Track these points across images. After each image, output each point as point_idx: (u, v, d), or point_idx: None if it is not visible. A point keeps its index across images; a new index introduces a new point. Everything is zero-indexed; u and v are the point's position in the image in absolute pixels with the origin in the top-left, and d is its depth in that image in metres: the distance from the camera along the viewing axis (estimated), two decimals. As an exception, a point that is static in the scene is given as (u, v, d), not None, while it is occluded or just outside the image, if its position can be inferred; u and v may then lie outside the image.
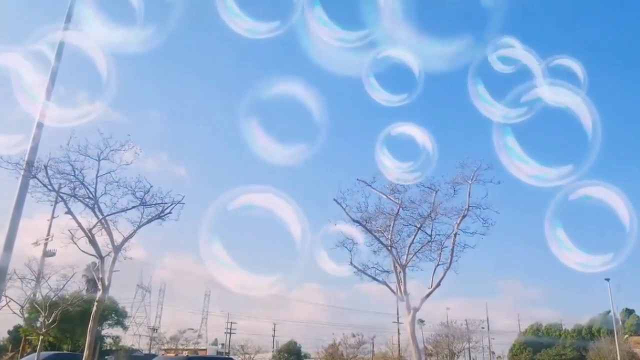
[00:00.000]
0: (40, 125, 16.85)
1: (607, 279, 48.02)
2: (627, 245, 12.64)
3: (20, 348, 43.63)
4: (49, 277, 29.02)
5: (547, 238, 13.43)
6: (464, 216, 18.77)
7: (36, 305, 28.55)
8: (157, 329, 73.43)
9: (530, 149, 14.03)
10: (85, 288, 38.42)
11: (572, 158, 13.81)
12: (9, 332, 54.53)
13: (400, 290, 18.69)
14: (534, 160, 13.99)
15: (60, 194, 17.16)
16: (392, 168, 16.63)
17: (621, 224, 12.56)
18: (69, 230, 17.36)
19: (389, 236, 19.23)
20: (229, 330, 72.83)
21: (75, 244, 17.40)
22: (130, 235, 17.94)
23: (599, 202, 13.33)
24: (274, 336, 74.40)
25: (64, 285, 29.15)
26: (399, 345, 60.72)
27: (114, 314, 53.19)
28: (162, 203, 18.10)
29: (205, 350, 63.50)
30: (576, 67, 14.93)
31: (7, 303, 26.72)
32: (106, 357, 49.19)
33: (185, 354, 41.74)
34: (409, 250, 19.22)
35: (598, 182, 13.86)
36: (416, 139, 15.62)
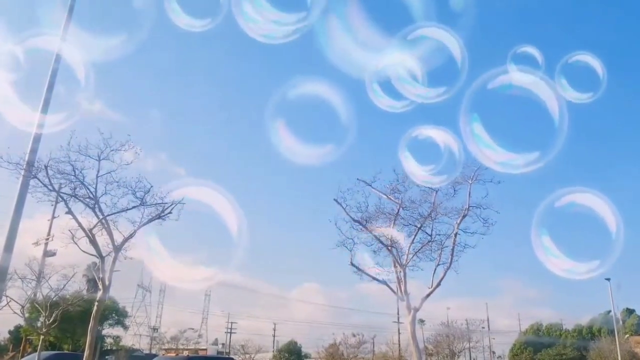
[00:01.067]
0: (40, 125, 16.87)
1: (608, 279, 47.97)
2: (613, 251, 12.61)
3: (21, 348, 43.69)
4: (50, 277, 29.11)
5: (533, 245, 13.39)
6: (464, 216, 18.77)
7: (37, 305, 28.60)
8: (157, 329, 73.51)
9: (497, 136, 13.88)
10: (86, 288, 38.52)
11: (539, 145, 13.71)
12: (10, 332, 54.59)
13: (401, 290, 18.68)
14: (500, 147, 13.88)
15: (61, 194, 17.19)
16: (419, 172, 16.50)
17: (607, 231, 12.52)
18: (69, 230, 17.40)
19: (389, 236, 19.23)
20: (229, 330, 72.96)
21: (76, 244, 17.43)
22: (131, 235, 17.95)
23: (585, 208, 13.28)
24: (274, 336, 74.53)
25: (65, 285, 29.27)
26: (399, 345, 60.74)
27: (115, 314, 53.19)
28: (162, 203, 18.13)
29: (205, 350, 63.51)
30: (595, 63, 14.90)
31: (7, 303, 26.81)
32: (107, 357, 49.20)
33: (185, 353, 41.75)
34: (409, 250, 19.23)
35: (584, 189, 13.82)
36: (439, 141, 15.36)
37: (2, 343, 58.15)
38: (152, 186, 17.94)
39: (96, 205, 17.20)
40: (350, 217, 19.06)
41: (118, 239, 17.53)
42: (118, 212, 17.69)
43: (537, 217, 13.59)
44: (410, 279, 19.13)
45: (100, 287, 17.08)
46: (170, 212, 18.28)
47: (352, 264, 19.40)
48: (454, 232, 18.82)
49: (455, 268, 18.69)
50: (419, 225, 19.32)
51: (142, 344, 69.20)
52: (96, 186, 17.20)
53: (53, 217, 34.67)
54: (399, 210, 19.30)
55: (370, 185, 19.19)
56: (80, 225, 16.94)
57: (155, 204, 18.09)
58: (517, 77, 13.69)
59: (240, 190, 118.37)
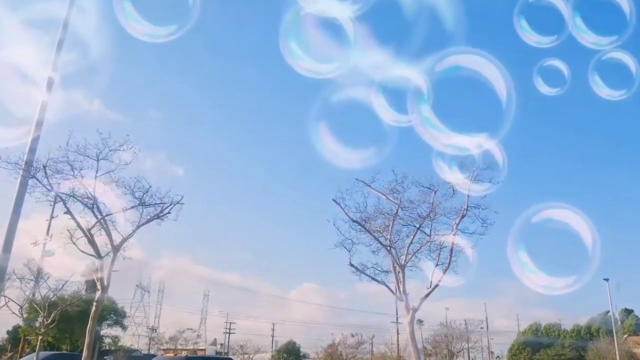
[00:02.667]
0: (39, 125, 16.81)
1: (606, 279, 48.05)
2: (589, 267, 12.62)
3: (19, 348, 43.53)
4: (48, 277, 29.01)
5: (510, 261, 13.38)
6: (462, 216, 18.75)
7: (35, 306, 28.52)
8: (156, 329, 73.47)
9: (446, 119, 13.80)
10: (85, 288, 38.34)
11: (486, 126, 13.68)
12: (8, 332, 54.41)
13: (399, 291, 18.69)
14: (448, 129, 13.80)
15: (59, 194, 17.17)
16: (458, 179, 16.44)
17: (584, 247, 12.51)
18: (67, 230, 17.40)
19: (388, 236, 19.23)
20: (228, 330, 72.86)
21: (74, 244, 17.43)
22: (130, 235, 17.95)
23: (563, 224, 13.26)
24: (273, 336, 74.43)
25: (63, 286, 29.15)
26: (398, 345, 60.76)
27: (113, 314, 53.13)
28: (161, 203, 18.14)
29: (204, 350, 63.47)
30: (629, 60, 14.92)
31: (6, 303, 26.71)
32: (105, 357, 49.16)
33: (184, 354, 41.70)
34: (408, 250, 19.24)
35: (561, 204, 13.80)
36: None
37: (1, 343, 58.01)
38: (150, 186, 17.98)
39: (95, 205, 17.19)
40: (349, 217, 19.08)
41: (117, 239, 17.53)
42: (117, 212, 17.68)
43: (514, 233, 13.58)
44: (408, 279, 19.16)
45: (99, 287, 17.07)
46: (169, 212, 18.31)
47: (351, 264, 19.42)
48: (453, 233, 18.83)
49: (454, 268, 18.72)
50: (417, 226, 19.33)
51: (141, 344, 69.22)
52: (95, 186, 17.20)
53: (52, 217, 34.56)
54: (397, 210, 19.31)
55: (369, 186, 19.21)
56: (78, 225, 16.93)
57: (154, 204, 18.10)
58: (464, 58, 13.61)
59: (240, 189, 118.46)
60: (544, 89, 15.94)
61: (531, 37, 14.87)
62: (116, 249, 17.41)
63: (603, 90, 15.48)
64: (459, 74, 13.57)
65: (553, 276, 13.36)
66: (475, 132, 13.77)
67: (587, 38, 14.69)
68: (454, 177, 16.59)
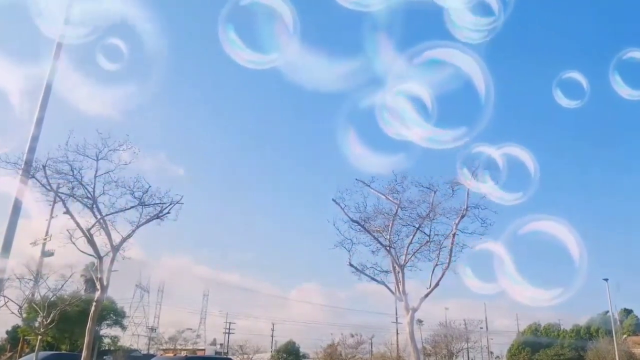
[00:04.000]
0: (38, 124, 16.77)
1: (606, 279, 48.12)
2: (577, 279, 12.61)
3: (19, 348, 43.49)
4: (48, 277, 29.00)
5: (496, 273, 13.35)
6: (462, 216, 18.77)
7: (34, 306, 28.49)
8: (155, 329, 73.42)
9: (424, 111, 13.72)
10: (84, 288, 38.30)
11: (465, 120, 13.64)
12: (7, 332, 54.36)
13: (399, 291, 18.69)
14: (427, 123, 13.73)
15: (59, 194, 17.16)
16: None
17: (571, 259, 12.51)
18: (67, 230, 17.41)
19: (388, 236, 19.23)
20: (227, 330, 72.85)
21: (74, 243, 17.46)
22: (129, 235, 17.96)
23: (549, 236, 13.23)
24: (272, 336, 74.40)
25: (63, 286, 29.13)
26: (397, 345, 60.73)
27: (113, 314, 53.04)
28: (160, 203, 18.14)
29: (203, 350, 63.43)
30: None
31: (5, 303, 26.68)
32: (104, 357, 49.08)
33: (183, 354, 41.68)
34: (407, 250, 19.24)
35: (549, 216, 13.77)
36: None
37: (0, 343, 57.99)
38: (150, 186, 17.98)
39: (94, 205, 17.19)
40: (349, 217, 19.08)
41: (116, 239, 17.53)
42: (116, 212, 17.71)
43: (501, 244, 13.56)
44: (408, 279, 19.17)
45: (98, 287, 17.06)
46: (168, 212, 18.30)
47: (351, 264, 19.42)
48: (453, 232, 18.83)
49: (454, 268, 18.72)
50: (417, 226, 19.33)
51: (140, 344, 69.16)
52: (94, 186, 17.23)
53: (51, 217, 34.60)
54: (397, 210, 19.32)
55: (369, 186, 19.23)
56: (78, 225, 16.94)
57: (154, 204, 18.10)
58: (442, 52, 13.52)
59: (241, 189, 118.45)
60: (564, 101, 15.96)
61: (462, 34, 14.74)
62: (115, 249, 17.41)
63: (624, 90, 15.42)
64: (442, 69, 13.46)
65: (539, 288, 13.36)
66: (453, 126, 13.70)
67: (466, 18, 14.41)
68: (482, 186, 16.48)
